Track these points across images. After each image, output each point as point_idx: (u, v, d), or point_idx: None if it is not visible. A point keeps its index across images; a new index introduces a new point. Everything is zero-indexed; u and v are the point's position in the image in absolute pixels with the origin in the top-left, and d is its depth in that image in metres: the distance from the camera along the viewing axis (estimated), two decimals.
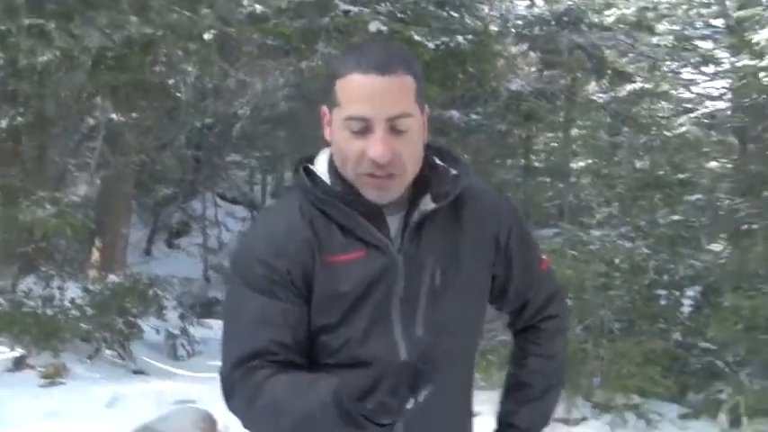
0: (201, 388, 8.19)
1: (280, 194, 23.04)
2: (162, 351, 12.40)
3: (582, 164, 13.52)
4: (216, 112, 16.77)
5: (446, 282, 1.84)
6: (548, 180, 12.65)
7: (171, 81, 13.06)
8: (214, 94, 15.71)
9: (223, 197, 24.07)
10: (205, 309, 17.05)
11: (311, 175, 1.85)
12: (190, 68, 12.34)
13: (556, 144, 14.85)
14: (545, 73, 16.66)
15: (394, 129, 1.71)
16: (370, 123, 1.70)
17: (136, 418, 6.63)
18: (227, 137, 18.67)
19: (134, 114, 11.96)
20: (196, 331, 13.06)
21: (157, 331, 12.25)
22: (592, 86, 17.64)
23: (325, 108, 1.82)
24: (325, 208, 1.80)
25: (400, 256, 1.80)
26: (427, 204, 1.82)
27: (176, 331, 12.55)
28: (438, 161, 1.88)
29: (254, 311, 1.79)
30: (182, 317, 12.74)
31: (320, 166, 1.87)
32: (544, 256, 2.12)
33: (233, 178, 23.37)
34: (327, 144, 1.88)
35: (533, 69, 17.29)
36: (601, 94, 16.26)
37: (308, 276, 1.79)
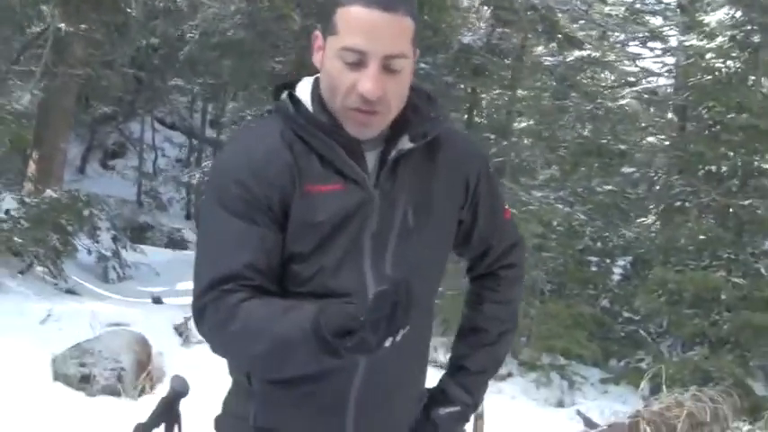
0: (134, 312, 8.19)
1: (218, 124, 22.80)
2: (93, 272, 12.32)
3: (524, 124, 13.61)
4: (165, 32, 16.44)
5: (417, 222, 1.86)
6: (491, 137, 12.71)
7: None
8: (164, 14, 15.38)
9: (162, 122, 23.68)
10: (137, 233, 16.91)
11: (295, 102, 1.85)
12: None
13: (501, 102, 14.90)
14: (497, 30, 16.65)
15: (388, 67, 1.72)
16: (365, 57, 1.70)
17: (69, 338, 6.63)
18: (172, 60, 18.32)
19: (83, 26, 11.63)
20: (128, 255, 12.99)
21: (89, 252, 12.15)
22: (540, 49, 17.74)
23: (318, 32, 1.82)
24: (307, 137, 1.80)
25: (377, 191, 1.82)
26: (405, 144, 1.84)
27: (108, 253, 12.45)
28: (417, 101, 1.88)
29: (229, 234, 1.78)
30: (114, 239, 12.62)
31: (303, 95, 1.87)
32: (507, 206, 2.15)
33: (174, 103, 22.96)
34: (294, 75, 1.89)
35: (484, 25, 17.28)
36: (549, 58, 16.32)
37: (286, 202, 1.79)
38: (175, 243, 18.42)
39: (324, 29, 1.78)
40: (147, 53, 18.64)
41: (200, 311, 1.79)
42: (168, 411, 2.09)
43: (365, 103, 1.72)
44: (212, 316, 1.76)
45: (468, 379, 2.13)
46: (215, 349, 1.83)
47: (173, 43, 17.55)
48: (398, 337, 1.59)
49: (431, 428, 2.10)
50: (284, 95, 1.87)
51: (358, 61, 1.71)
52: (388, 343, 1.57)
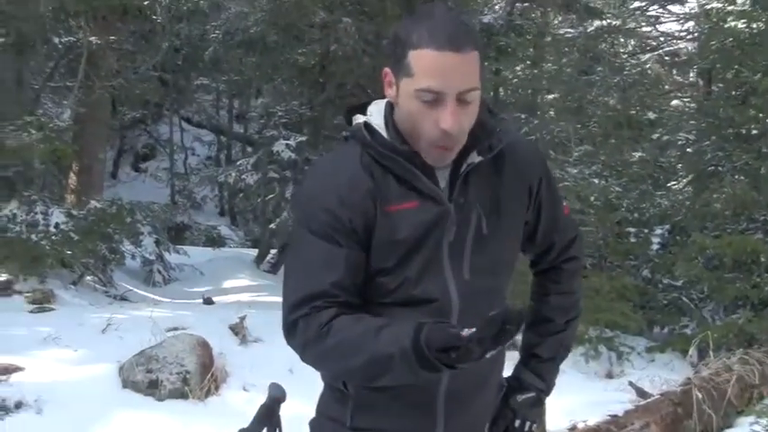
0: (189, 314, 8.36)
1: (245, 119, 22.93)
2: (138, 277, 12.54)
3: (550, 97, 13.66)
4: (189, 35, 16.63)
5: (490, 228, 2.01)
6: (521, 116, 12.82)
7: (146, 2, 12.98)
8: (188, 17, 15.58)
9: (189, 121, 23.87)
10: (174, 234, 17.12)
11: (371, 130, 2.00)
12: None
13: (526, 80, 14.96)
14: (517, 5, 16.69)
15: (462, 101, 1.86)
16: (442, 96, 1.84)
17: (132, 345, 6.80)
18: (196, 59, 18.52)
19: (112, 37, 11.87)
20: (171, 258, 13.21)
21: (133, 257, 12.37)
22: (560, 22, 17.77)
23: (388, 70, 1.95)
24: (384, 161, 1.96)
25: (451, 204, 1.97)
26: (474, 158, 1.99)
27: (152, 257, 12.68)
28: (482, 116, 2.00)
29: (317, 255, 1.95)
30: (157, 243, 12.85)
31: (376, 119, 2.02)
32: (565, 202, 2.32)
33: (199, 102, 23.18)
34: (365, 97, 2.05)
35: (504, 3, 17.31)
36: (570, 30, 16.33)
37: (369, 224, 1.95)
38: (213, 241, 18.62)
39: (396, 68, 1.92)
40: (169, 55, 18.85)
41: (291, 326, 1.97)
42: (269, 417, 2.26)
43: (447, 138, 1.88)
44: (304, 331, 1.93)
45: (540, 366, 2.32)
46: (306, 361, 2.00)
47: (196, 43, 17.75)
48: (496, 351, 1.74)
49: (510, 414, 2.29)
50: (359, 119, 2.04)
51: (434, 100, 1.85)
52: (488, 355, 1.73)
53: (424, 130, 1.90)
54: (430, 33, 1.84)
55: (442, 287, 1.99)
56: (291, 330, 1.97)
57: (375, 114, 2.04)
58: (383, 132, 2.00)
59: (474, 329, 1.71)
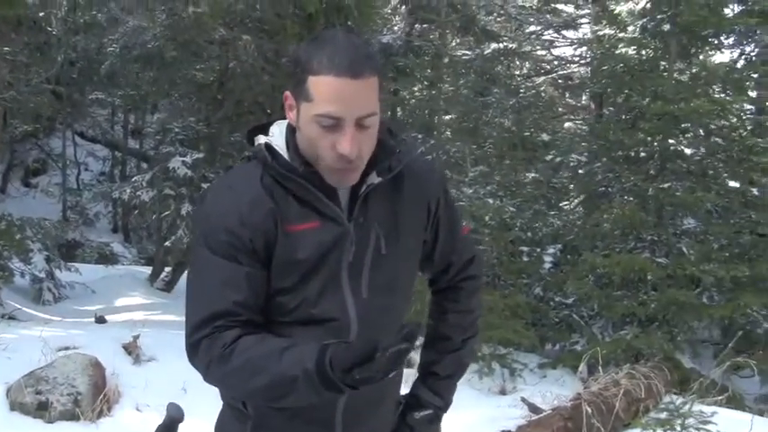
0: (81, 333, 8.17)
1: (141, 134, 22.58)
2: (28, 296, 12.19)
3: (447, 118, 13.86)
4: (86, 48, 16.31)
5: (388, 248, 2.05)
6: (419, 136, 12.96)
7: (42, 14, 12.70)
8: (85, 30, 15.28)
9: (83, 135, 23.35)
10: (65, 251, 16.69)
11: (272, 151, 2.01)
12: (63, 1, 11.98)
13: (423, 101, 15.15)
14: (416, 26, 16.90)
15: (360, 125, 1.89)
16: (341, 122, 1.87)
17: (21, 365, 6.60)
18: (91, 73, 18.17)
19: (6, 48, 11.56)
20: (62, 275, 12.89)
21: (22, 274, 12.03)
22: (457, 44, 18.05)
23: (289, 93, 1.98)
24: (285, 182, 1.98)
25: (351, 225, 2.01)
26: (373, 179, 2.02)
27: (42, 275, 12.35)
28: (381, 137, 2.04)
29: (219, 275, 1.95)
30: (48, 260, 12.52)
31: (277, 140, 2.04)
32: (464, 222, 2.41)
33: (94, 116, 22.71)
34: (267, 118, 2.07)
35: (403, 24, 17.51)
36: (467, 52, 16.60)
37: (270, 244, 1.97)
38: (106, 258, 18.22)
39: (296, 92, 1.94)
40: (63, 68, 18.44)
41: (193, 346, 1.96)
42: None
43: (346, 162, 1.91)
44: (207, 351, 1.93)
45: (438, 383, 2.36)
46: (210, 381, 2.00)
47: (92, 57, 17.41)
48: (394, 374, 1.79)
49: (407, 431, 2.32)
50: (260, 140, 2.05)
51: (334, 125, 1.88)
52: (390, 375, 1.76)
53: (323, 154, 1.92)
54: (329, 59, 1.86)
55: (341, 306, 2.02)
56: (194, 351, 1.97)
57: (277, 135, 2.06)
58: (284, 154, 2.02)
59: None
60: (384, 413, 2.24)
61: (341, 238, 2.00)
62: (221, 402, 2.21)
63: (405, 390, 2.36)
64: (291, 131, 2.04)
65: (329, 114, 1.87)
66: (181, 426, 2.25)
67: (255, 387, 1.90)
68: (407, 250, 2.14)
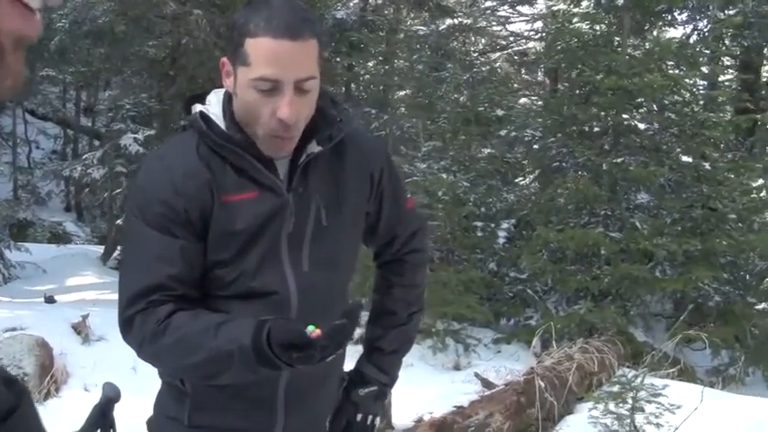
0: (29, 314, 8.01)
1: (93, 112, 22.23)
2: None
3: (401, 93, 13.83)
4: None
5: (329, 219, 2.01)
6: (372, 111, 12.90)
7: None
8: None
9: (33, 113, 22.92)
10: (17, 231, 16.41)
11: (207, 119, 1.96)
12: None
13: (378, 76, 15.08)
14: (370, 2, 16.81)
15: (300, 89, 1.84)
16: (279, 85, 1.82)
17: None
18: (41, 50, 17.82)
19: None
20: (12, 255, 12.66)
21: None
22: (413, 20, 17.99)
23: (225, 60, 1.93)
24: (221, 151, 1.93)
25: (290, 195, 1.96)
26: (313, 148, 1.98)
27: None
28: (322, 106, 2.00)
29: (153, 248, 1.91)
30: None
31: (214, 108, 1.99)
32: (409, 195, 2.34)
33: (45, 93, 22.29)
34: (211, 87, 2.04)
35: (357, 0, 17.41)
36: (422, 28, 16.55)
37: (206, 215, 1.92)
38: (59, 238, 17.94)
39: (233, 57, 1.89)
40: None
41: (127, 322, 1.92)
42: (102, 418, 2.18)
43: (284, 128, 1.85)
44: (141, 327, 1.89)
45: (382, 359, 2.31)
46: (144, 358, 1.96)
47: (41, 33, 17.07)
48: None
49: (351, 408, 2.27)
50: (196, 111, 1.99)
51: (272, 89, 1.82)
52: (329, 359, 1.74)
53: (261, 120, 1.87)
54: (267, 21, 1.81)
55: (281, 279, 1.97)
56: (127, 326, 1.92)
57: (213, 104, 2.01)
58: (220, 122, 1.96)
59: (320, 333, 1.71)
60: (328, 391, 2.20)
61: (280, 208, 1.96)
62: None
63: (349, 366, 2.32)
64: (229, 100, 1.98)
65: (267, 77, 1.82)
66: (125, 405, 2.19)
67: (190, 363, 1.86)
68: (349, 222, 2.09)
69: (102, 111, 19.52)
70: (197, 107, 2.01)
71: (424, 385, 6.91)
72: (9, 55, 0.77)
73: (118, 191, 13.21)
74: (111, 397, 2.18)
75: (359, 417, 2.28)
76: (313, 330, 1.72)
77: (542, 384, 6.27)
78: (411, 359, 8.05)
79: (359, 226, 2.15)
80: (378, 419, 2.37)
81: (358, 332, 2.41)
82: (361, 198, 2.11)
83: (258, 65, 1.82)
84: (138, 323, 1.89)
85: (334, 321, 1.72)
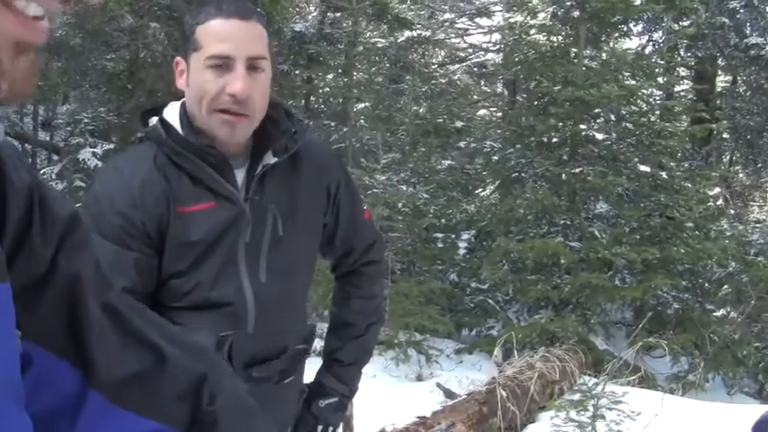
0: None
1: (51, 126, 22.02)
2: None
3: (361, 106, 13.86)
4: None
5: (286, 230, 2.02)
6: (331, 124, 12.89)
7: None
8: None
9: None
10: None
11: (166, 126, 1.96)
12: None
13: (337, 88, 15.09)
14: (328, 15, 16.81)
15: (252, 67, 1.87)
16: (231, 61, 1.85)
17: None
18: None
19: None
20: None
21: None
22: (371, 33, 18.01)
23: (179, 59, 1.96)
24: (178, 159, 1.93)
25: (247, 205, 1.96)
26: (269, 159, 1.99)
27: None
28: (276, 117, 2.03)
29: (106, 260, 1.84)
30: None
31: (171, 118, 1.98)
32: (365, 207, 2.35)
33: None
34: (171, 93, 2.05)
35: (315, 12, 17.41)
36: (381, 40, 16.58)
37: (162, 227, 1.91)
38: None
39: (185, 51, 1.92)
40: None
41: None
42: None
43: (235, 103, 1.86)
44: None
45: (342, 370, 2.32)
46: None
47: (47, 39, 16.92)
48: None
49: (312, 420, 2.27)
50: (154, 121, 1.99)
51: (224, 65, 1.85)
52: (286, 381, 1.77)
53: (212, 99, 1.88)
54: (216, 8, 1.88)
55: (237, 290, 1.97)
56: None
57: (171, 114, 2.01)
58: (179, 130, 1.96)
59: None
60: (288, 402, 2.19)
61: (236, 218, 1.96)
62: None
63: (309, 377, 2.32)
64: (184, 110, 1.98)
65: (219, 54, 1.86)
66: None
67: None
68: (306, 232, 2.11)
69: (60, 125, 19.34)
70: (155, 119, 2.01)
71: (387, 396, 6.90)
72: (5, 60, 0.78)
73: (77, 205, 13.05)
74: None
75: (319, 428, 2.30)
76: None
77: (504, 394, 6.28)
78: (374, 370, 8.06)
79: (315, 237, 2.16)
80: (338, 431, 2.37)
81: (317, 344, 2.42)
82: (318, 209, 2.13)
83: (209, 44, 1.87)
84: None
85: (290, 338, 1.74)
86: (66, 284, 0.95)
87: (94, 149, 12.82)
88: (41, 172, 14.35)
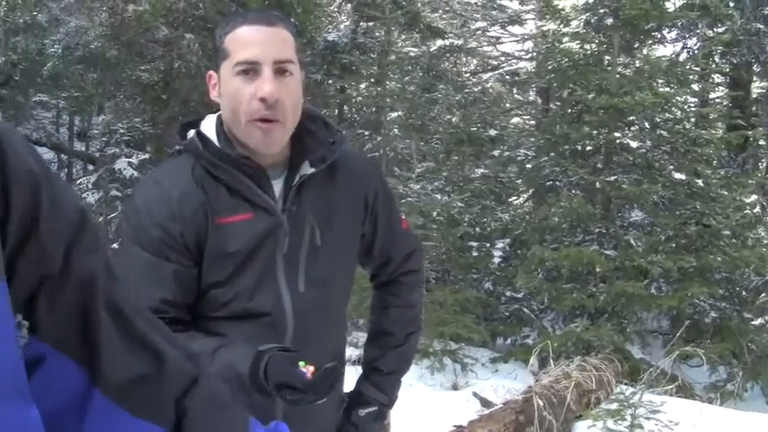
0: None
1: (87, 137, 22.27)
2: None
3: (394, 115, 13.89)
4: (26, 49, 16.03)
5: (323, 240, 2.03)
6: (366, 133, 12.93)
7: None
8: (25, 30, 15.03)
9: (27, 139, 22.87)
10: None
11: (203, 138, 1.99)
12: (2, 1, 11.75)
13: (370, 98, 15.14)
14: (361, 24, 16.86)
15: (280, 71, 1.89)
16: (258, 66, 1.88)
17: None
18: (34, 75, 17.86)
19: None
20: None
21: None
22: (404, 42, 18.05)
23: (211, 72, 1.99)
24: (216, 171, 1.95)
25: (284, 216, 1.98)
26: (306, 169, 2.01)
27: None
28: (314, 127, 2.06)
29: (146, 271, 1.91)
30: None
31: (208, 132, 2.01)
32: (403, 216, 2.36)
33: (38, 119, 22.31)
34: (205, 108, 2.07)
35: (348, 22, 17.47)
36: (413, 49, 16.61)
37: (201, 238, 1.94)
38: None
39: (216, 62, 1.95)
40: (8, 69, 18.09)
41: None
42: None
43: (266, 108, 1.88)
44: None
45: (381, 379, 2.32)
46: None
47: (33, 58, 17.10)
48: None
49: (352, 429, 2.28)
50: (191, 134, 2.01)
51: (253, 71, 1.88)
52: (320, 402, 1.77)
53: (244, 106, 1.90)
54: (243, 18, 1.93)
55: (276, 300, 1.98)
56: None
57: (208, 126, 2.04)
58: (216, 143, 1.99)
59: (313, 370, 1.75)
60: (327, 412, 2.20)
61: (274, 228, 1.97)
62: None
63: (349, 387, 2.33)
64: (220, 123, 2.01)
65: (246, 59, 1.88)
66: None
67: None
68: (343, 243, 2.12)
69: (95, 135, 19.56)
70: (192, 132, 2.03)
71: (424, 405, 6.89)
72: None
73: (113, 215, 13.19)
74: None
75: None
76: (305, 365, 1.76)
77: (541, 403, 6.25)
78: (410, 379, 8.06)
79: (353, 247, 2.17)
80: None
81: (357, 353, 2.43)
82: (356, 220, 2.14)
83: (237, 51, 1.90)
84: None
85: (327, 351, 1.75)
86: (81, 285, 0.95)
87: (130, 159, 12.94)
88: (78, 182, 14.51)
